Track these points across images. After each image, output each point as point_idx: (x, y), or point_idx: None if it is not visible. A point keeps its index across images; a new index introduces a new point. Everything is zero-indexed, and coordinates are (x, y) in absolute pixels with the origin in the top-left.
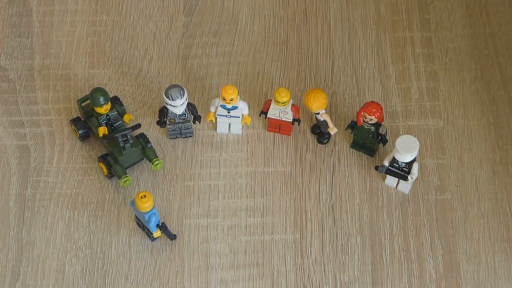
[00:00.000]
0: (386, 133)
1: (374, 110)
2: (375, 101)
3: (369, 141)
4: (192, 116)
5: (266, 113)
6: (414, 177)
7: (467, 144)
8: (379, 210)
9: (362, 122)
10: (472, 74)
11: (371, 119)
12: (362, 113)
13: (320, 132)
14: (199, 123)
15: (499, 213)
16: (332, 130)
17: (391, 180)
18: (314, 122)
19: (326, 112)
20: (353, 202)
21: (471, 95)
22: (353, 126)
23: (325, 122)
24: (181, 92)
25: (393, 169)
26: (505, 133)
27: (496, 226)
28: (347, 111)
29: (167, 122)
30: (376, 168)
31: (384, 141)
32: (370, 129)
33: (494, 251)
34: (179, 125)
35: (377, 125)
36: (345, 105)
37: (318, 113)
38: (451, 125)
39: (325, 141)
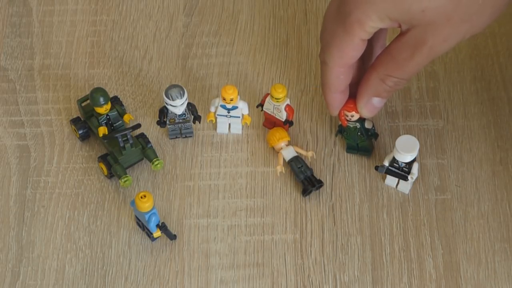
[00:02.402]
0: (373, 126)
1: (352, 106)
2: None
3: (361, 140)
4: (192, 116)
5: (263, 106)
6: (414, 177)
7: (467, 144)
8: (379, 210)
9: (346, 122)
10: (472, 74)
11: (352, 116)
12: (342, 112)
13: (305, 179)
14: (199, 123)
15: (499, 213)
16: (309, 153)
17: (391, 180)
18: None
19: (289, 144)
20: (353, 202)
21: (471, 95)
22: (341, 130)
23: (297, 157)
24: (181, 92)
25: (393, 169)
26: (505, 133)
27: (496, 226)
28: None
29: (167, 122)
30: (376, 168)
31: (374, 135)
32: (356, 127)
33: (494, 251)
34: (179, 125)
35: (361, 121)
36: None
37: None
38: (451, 125)
39: (309, 190)
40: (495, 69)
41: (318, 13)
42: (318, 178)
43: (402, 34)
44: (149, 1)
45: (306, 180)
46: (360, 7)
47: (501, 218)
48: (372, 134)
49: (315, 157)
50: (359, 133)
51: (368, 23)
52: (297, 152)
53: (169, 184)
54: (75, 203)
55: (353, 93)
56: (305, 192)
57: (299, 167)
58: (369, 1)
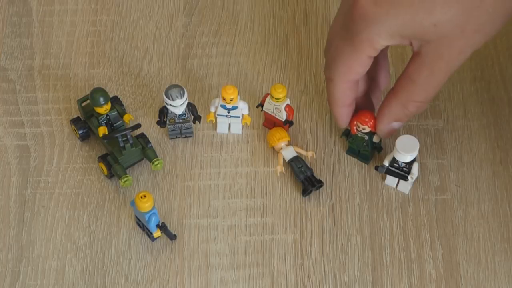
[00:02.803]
0: (380, 141)
1: (366, 120)
2: (368, 110)
3: (363, 148)
4: (192, 116)
5: (263, 106)
6: (414, 177)
7: (467, 144)
8: (379, 210)
9: (355, 131)
10: (472, 74)
11: (364, 128)
12: (355, 122)
13: (305, 179)
14: (199, 123)
15: (499, 213)
16: (309, 154)
17: (391, 180)
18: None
19: (290, 144)
20: (353, 202)
21: (471, 95)
22: (347, 134)
23: (297, 157)
24: (181, 92)
25: (393, 169)
26: (505, 133)
27: (496, 226)
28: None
29: (167, 122)
30: (376, 168)
31: (378, 148)
32: (364, 138)
33: (494, 251)
34: (179, 125)
35: (371, 133)
36: None
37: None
38: (451, 125)
39: (309, 190)
40: (495, 69)
41: (318, 13)
42: (318, 178)
43: (416, 54)
44: (149, 1)
45: (306, 180)
46: (371, 26)
47: (501, 218)
48: (376, 147)
49: (315, 157)
50: (364, 143)
51: (379, 41)
52: (297, 152)
53: (169, 184)
54: (75, 203)
55: (360, 104)
56: (305, 192)
57: (299, 167)
58: (379, 19)
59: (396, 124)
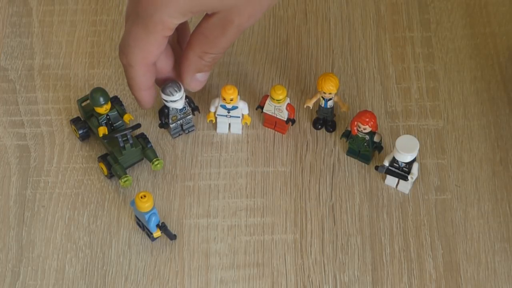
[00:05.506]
0: (381, 140)
1: (367, 120)
2: (369, 110)
3: (364, 149)
4: (190, 108)
5: (262, 108)
6: (414, 177)
7: (467, 144)
8: (379, 210)
9: (356, 131)
10: (472, 74)
11: (365, 128)
12: (355, 122)
13: (323, 121)
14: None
15: (499, 213)
16: (345, 107)
17: (391, 180)
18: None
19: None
20: (353, 202)
21: (471, 95)
22: (347, 135)
23: (332, 109)
24: (178, 85)
25: (393, 169)
26: (505, 133)
27: (496, 226)
28: (348, 111)
29: (170, 121)
30: (376, 168)
31: (379, 148)
32: (364, 138)
33: (494, 251)
34: (180, 121)
35: (372, 133)
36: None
37: (330, 99)
38: (451, 125)
39: (331, 129)
40: (495, 69)
41: (318, 13)
42: (334, 124)
43: (209, 15)
44: None
45: (322, 120)
46: (161, 8)
47: (501, 218)
48: (377, 147)
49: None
50: (365, 144)
51: (172, 21)
52: (336, 102)
53: (169, 184)
54: (75, 203)
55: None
56: (314, 125)
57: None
58: (169, 1)
59: (200, 76)
